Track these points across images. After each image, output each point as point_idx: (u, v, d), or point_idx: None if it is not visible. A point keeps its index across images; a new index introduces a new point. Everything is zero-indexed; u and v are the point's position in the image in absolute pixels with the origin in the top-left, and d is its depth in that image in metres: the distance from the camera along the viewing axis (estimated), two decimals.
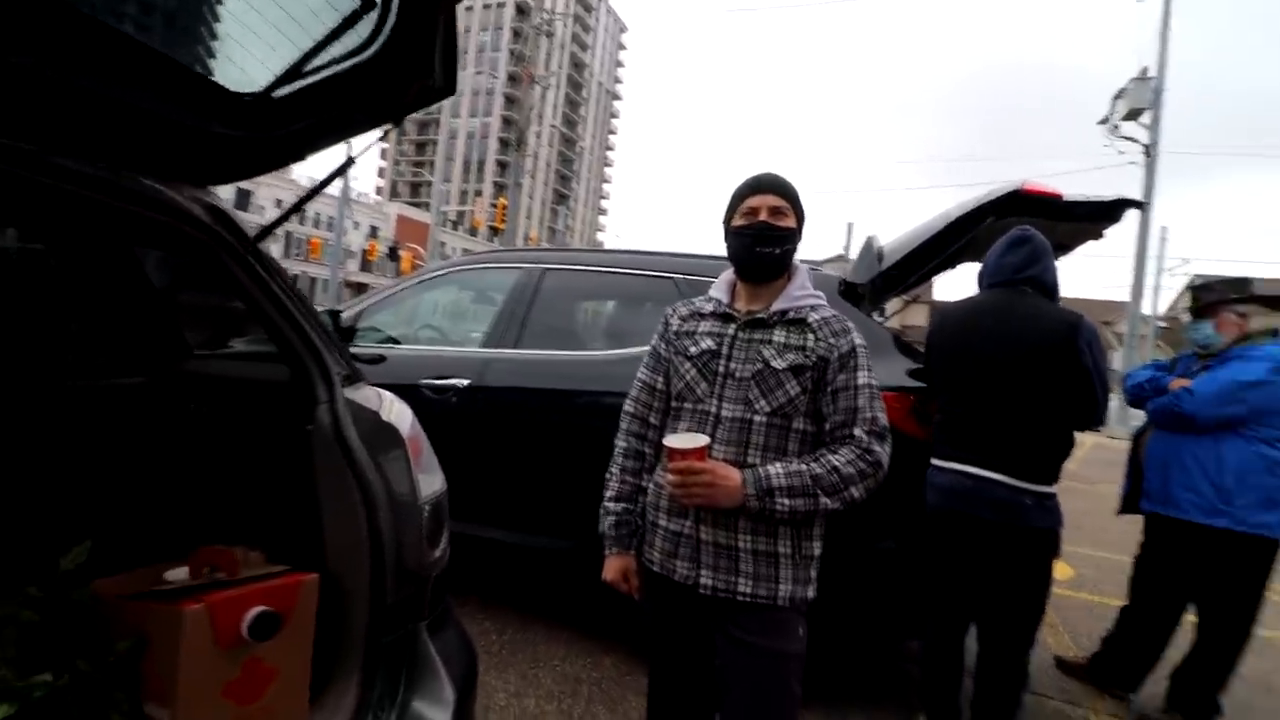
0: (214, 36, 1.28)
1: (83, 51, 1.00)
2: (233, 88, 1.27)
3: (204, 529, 1.36)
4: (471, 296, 4.78)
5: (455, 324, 4.78)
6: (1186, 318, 2.76)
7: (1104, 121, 15.03)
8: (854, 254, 2.93)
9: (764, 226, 1.35)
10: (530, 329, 2.90)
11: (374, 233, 52.92)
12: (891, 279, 2.58)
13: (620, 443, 1.50)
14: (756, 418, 1.32)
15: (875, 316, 2.84)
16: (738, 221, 1.40)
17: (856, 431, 1.29)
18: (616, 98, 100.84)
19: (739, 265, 1.42)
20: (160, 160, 1.26)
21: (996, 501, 1.91)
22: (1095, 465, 10.45)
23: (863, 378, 1.33)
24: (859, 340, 1.36)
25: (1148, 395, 2.58)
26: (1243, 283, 2.52)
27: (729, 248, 1.43)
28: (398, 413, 1.35)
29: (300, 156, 1.38)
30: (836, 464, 1.27)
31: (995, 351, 1.98)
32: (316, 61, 1.29)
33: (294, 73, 1.29)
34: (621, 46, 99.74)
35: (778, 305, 1.38)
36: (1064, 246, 3.05)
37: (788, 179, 1.41)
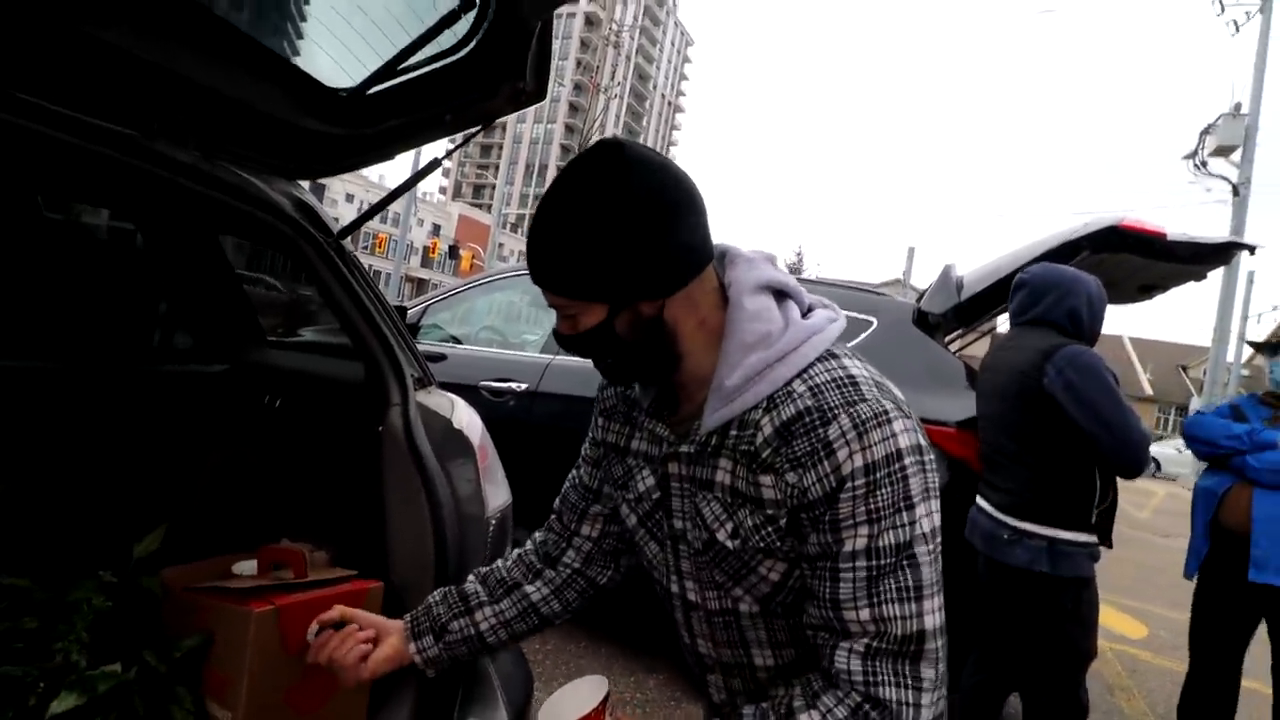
0: (314, 31, 1.28)
1: (180, 35, 1.00)
2: (329, 83, 1.27)
3: (270, 523, 1.35)
4: (529, 300, 4.84)
5: (512, 326, 4.83)
6: (1262, 358, 2.48)
7: (1190, 156, 14.23)
8: (914, 279, 2.84)
9: (558, 338, 0.80)
10: None
11: (436, 231, 54.52)
12: (966, 311, 2.47)
13: (535, 536, 1.01)
14: (743, 606, 0.78)
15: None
16: None
17: (840, 659, 0.68)
18: (679, 110, 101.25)
19: None
20: (253, 152, 1.26)
21: (982, 533, 1.90)
22: (1170, 516, 9.77)
23: (864, 535, 0.67)
24: (871, 440, 0.66)
25: (1241, 449, 2.18)
26: None
27: None
28: (468, 420, 1.32)
29: (389, 155, 1.38)
30: None
31: (984, 388, 2.01)
32: (412, 60, 1.28)
33: (389, 70, 1.28)
34: (686, 60, 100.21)
35: (711, 415, 0.74)
36: (1155, 287, 2.86)
37: (563, 234, 0.70)
